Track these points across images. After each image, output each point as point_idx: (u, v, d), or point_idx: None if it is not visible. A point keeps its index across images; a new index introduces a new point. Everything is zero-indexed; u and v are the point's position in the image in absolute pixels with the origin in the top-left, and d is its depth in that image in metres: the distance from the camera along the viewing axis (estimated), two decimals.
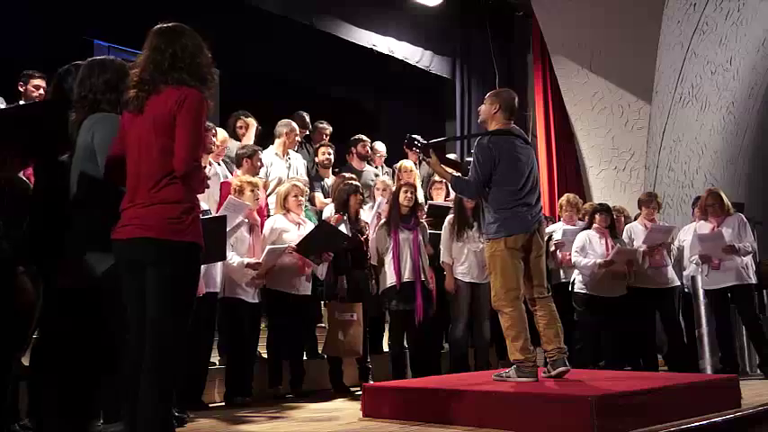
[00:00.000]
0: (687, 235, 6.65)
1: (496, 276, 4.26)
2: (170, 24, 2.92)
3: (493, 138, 4.33)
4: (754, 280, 6.38)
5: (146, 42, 2.89)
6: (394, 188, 6.70)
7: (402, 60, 9.46)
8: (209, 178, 3.21)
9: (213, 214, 4.75)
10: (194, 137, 2.73)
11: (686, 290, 6.67)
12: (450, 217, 5.96)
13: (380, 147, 7.83)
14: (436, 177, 7.18)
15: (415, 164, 7.51)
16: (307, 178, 6.47)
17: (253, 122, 6.64)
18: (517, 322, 4.19)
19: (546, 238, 5.18)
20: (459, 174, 4.67)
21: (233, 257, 4.97)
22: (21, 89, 5.50)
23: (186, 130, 2.71)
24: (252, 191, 5.13)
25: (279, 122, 6.70)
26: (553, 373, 4.22)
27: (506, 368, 4.35)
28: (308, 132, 7.32)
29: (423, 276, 5.71)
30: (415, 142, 4.58)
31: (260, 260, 5.08)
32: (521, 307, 4.23)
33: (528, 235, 4.25)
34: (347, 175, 6.46)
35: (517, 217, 4.23)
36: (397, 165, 7.45)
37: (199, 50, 2.87)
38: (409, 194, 5.81)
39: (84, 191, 3.06)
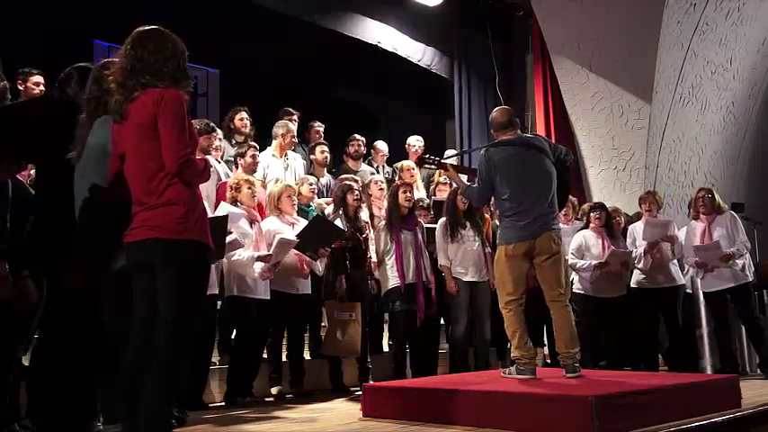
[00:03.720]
0: (681, 236, 6.64)
1: (497, 280, 4.46)
2: (141, 28, 2.91)
3: (490, 149, 4.49)
4: (751, 278, 6.37)
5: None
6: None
7: (402, 60, 9.47)
8: (211, 166, 3.20)
9: (213, 214, 4.73)
10: (177, 134, 2.74)
11: (687, 290, 6.67)
12: (442, 219, 5.96)
13: (382, 146, 7.82)
14: (441, 178, 7.20)
15: (417, 163, 7.51)
16: (314, 178, 6.43)
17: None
18: (513, 322, 4.33)
19: None
20: (472, 181, 4.78)
21: (241, 253, 4.96)
22: (20, 87, 5.51)
23: (168, 129, 2.73)
24: (249, 188, 5.14)
25: (275, 124, 6.69)
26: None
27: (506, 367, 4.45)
28: (296, 119, 7.21)
29: (424, 277, 5.73)
30: (427, 160, 4.93)
31: (269, 252, 5.07)
32: (518, 309, 4.33)
33: (529, 242, 4.29)
34: (350, 176, 6.45)
35: (515, 226, 4.32)
36: (398, 164, 7.44)
37: (169, 53, 2.86)
38: (408, 194, 5.80)
39: (95, 191, 3.06)
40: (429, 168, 4.88)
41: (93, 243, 3.01)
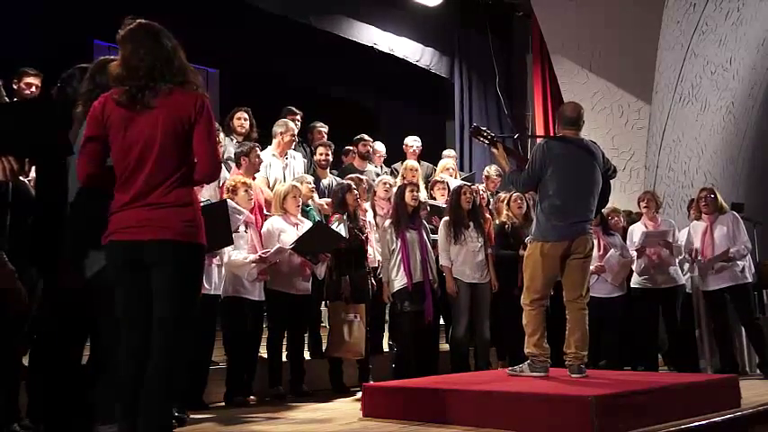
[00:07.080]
0: (683, 236, 6.63)
1: (525, 276, 4.44)
2: (147, 21, 2.87)
3: (551, 141, 4.50)
4: (750, 279, 6.36)
5: (126, 36, 2.82)
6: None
7: (402, 60, 9.47)
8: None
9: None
10: (215, 143, 2.84)
11: (688, 290, 6.66)
12: (445, 219, 5.95)
13: (380, 147, 7.84)
14: (438, 177, 7.19)
15: (419, 163, 7.51)
16: (312, 178, 6.41)
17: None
18: (534, 321, 4.37)
19: None
20: (519, 166, 4.72)
21: (236, 255, 4.96)
22: (14, 87, 5.50)
23: (208, 136, 2.79)
24: (246, 191, 5.12)
25: (276, 123, 6.66)
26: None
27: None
28: (299, 119, 7.17)
29: (431, 275, 5.72)
30: (483, 132, 4.78)
31: (265, 255, 5.07)
32: (540, 309, 4.38)
33: (568, 243, 4.31)
34: (354, 176, 6.44)
35: (555, 225, 4.31)
36: (402, 164, 7.43)
37: (179, 50, 2.88)
38: (415, 193, 5.81)
39: (85, 188, 3.05)
40: (481, 141, 4.86)
41: (82, 240, 3.00)
